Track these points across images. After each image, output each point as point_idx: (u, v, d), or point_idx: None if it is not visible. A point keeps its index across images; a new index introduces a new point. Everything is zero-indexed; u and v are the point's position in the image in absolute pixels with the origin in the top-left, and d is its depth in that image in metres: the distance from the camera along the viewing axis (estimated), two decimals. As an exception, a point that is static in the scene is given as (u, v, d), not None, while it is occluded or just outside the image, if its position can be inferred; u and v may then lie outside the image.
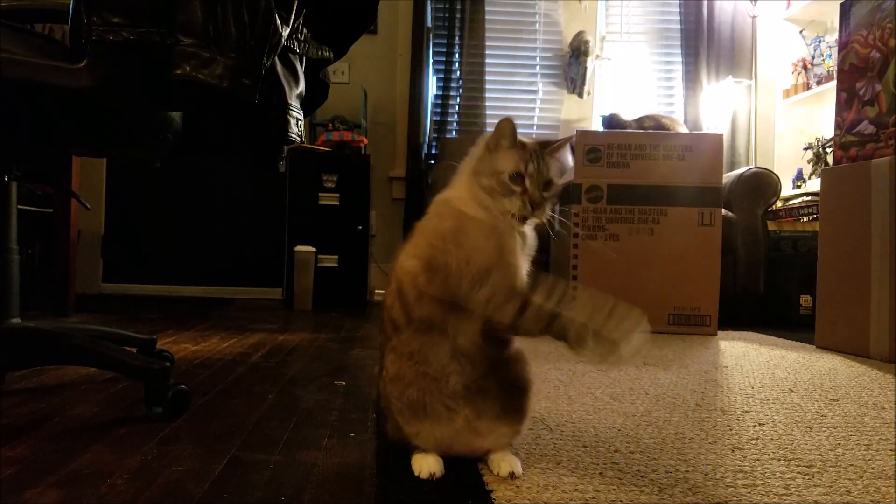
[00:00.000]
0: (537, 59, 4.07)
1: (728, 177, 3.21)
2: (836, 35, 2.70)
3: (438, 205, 0.87)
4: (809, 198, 3.51)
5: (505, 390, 0.87)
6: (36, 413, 1.15)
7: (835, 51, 3.32)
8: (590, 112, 4.05)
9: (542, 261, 3.00)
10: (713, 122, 3.92)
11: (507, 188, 0.80)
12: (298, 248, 3.22)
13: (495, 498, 0.80)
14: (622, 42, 4.07)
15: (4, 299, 1.23)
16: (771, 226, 3.23)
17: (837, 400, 1.42)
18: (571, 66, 3.97)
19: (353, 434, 1.09)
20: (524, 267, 0.84)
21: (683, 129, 3.45)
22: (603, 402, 1.35)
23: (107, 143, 1.38)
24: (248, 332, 2.29)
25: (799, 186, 3.83)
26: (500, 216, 0.81)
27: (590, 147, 2.64)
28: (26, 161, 1.31)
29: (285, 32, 1.07)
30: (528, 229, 0.85)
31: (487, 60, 3.97)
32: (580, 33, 3.92)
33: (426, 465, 0.86)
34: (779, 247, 3.15)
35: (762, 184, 3.13)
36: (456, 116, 3.99)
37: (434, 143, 3.94)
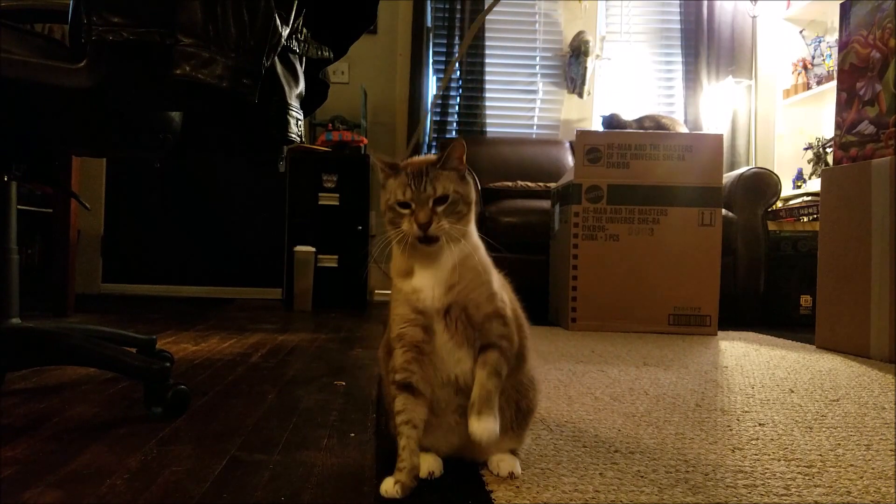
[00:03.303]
0: (537, 59, 4.07)
1: (728, 177, 3.21)
2: (836, 35, 2.70)
3: None
4: (809, 198, 3.51)
5: (509, 411, 0.88)
6: (36, 413, 1.15)
7: (835, 51, 3.32)
8: (590, 112, 4.05)
9: (542, 262, 3.01)
10: (713, 122, 3.92)
11: (399, 214, 0.83)
12: (298, 248, 3.22)
13: (495, 498, 0.80)
14: (622, 42, 4.07)
15: (4, 299, 1.23)
16: (771, 226, 3.23)
17: (837, 400, 1.42)
18: (571, 66, 3.97)
19: (353, 434, 1.09)
20: (440, 285, 0.83)
21: (683, 129, 3.45)
22: (603, 402, 1.35)
23: (107, 143, 1.38)
24: (248, 333, 2.29)
25: (799, 186, 3.83)
26: (409, 247, 0.83)
27: (590, 147, 2.64)
28: (26, 161, 1.31)
29: (285, 32, 1.07)
30: (453, 247, 0.83)
31: (487, 60, 3.98)
32: (580, 33, 3.92)
33: (425, 464, 0.86)
34: (779, 247, 3.15)
35: (762, 184, 3.13)
36: (456, 116, 3.99)
37: (434, 143, 3.94)
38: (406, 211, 0.82)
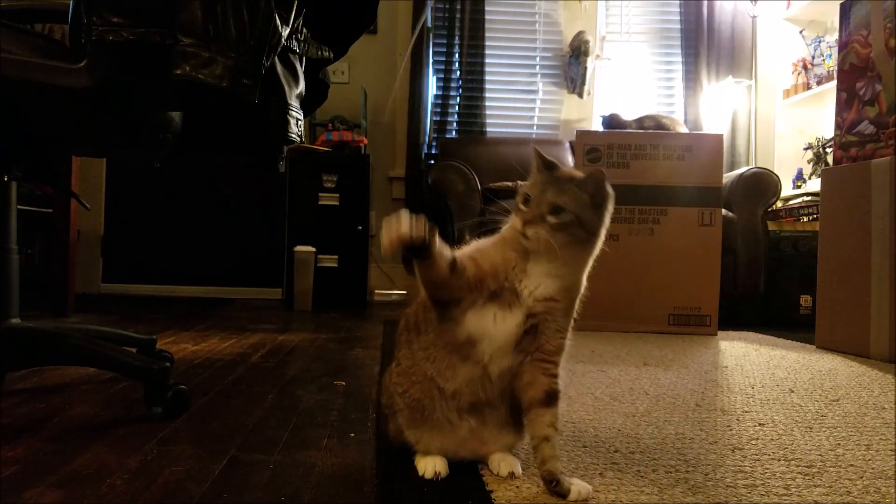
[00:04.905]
0: (537, 59, 4.07)
1: (728, 177, 3.21)
2: (836, 35, 2.70)
3: None
4: (809, 198, 3.51)
5: (511, 402, 0.88)
6: (36, 413, 1.15)
7: (835, 51, 3.32)
8: (590, 112, 4.05)
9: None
10: (713, 122, 3.92)
11: (518, 208, 0.86)
12: (298, 248, 3.22)
13: (495, 498, 0.80)
14: (622, 42, 4.07)
15: (4, 299, 1.23)
16: (771, 226, 3.23)
17: (837, 400, 1.42)
18: (571, 66, 3.97)
19: (353, 434, 1.09)
20: (532, 277, 0.85)
21: (683, 129, 3.45)
22: (603, 402, 1.35)
23: (107, 143, 1.38)
24: (248, 332, 2.29)
25: (799, 186, 3.83)
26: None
27: (590, 147, 2.64)
28: (26, 161, 1.31)
29: (285, 32, 1.07)
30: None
31: (487, 60, 3.97)
32: (580, 33, 3.92)
33: (431, 465, 0.86)
34: (779, 247, 3.15)
35: (762, 184, 3.13)
36: (456, 116, 3.99)
37: (434, 143, 3.94)
38: (524, 207, 0.84)
